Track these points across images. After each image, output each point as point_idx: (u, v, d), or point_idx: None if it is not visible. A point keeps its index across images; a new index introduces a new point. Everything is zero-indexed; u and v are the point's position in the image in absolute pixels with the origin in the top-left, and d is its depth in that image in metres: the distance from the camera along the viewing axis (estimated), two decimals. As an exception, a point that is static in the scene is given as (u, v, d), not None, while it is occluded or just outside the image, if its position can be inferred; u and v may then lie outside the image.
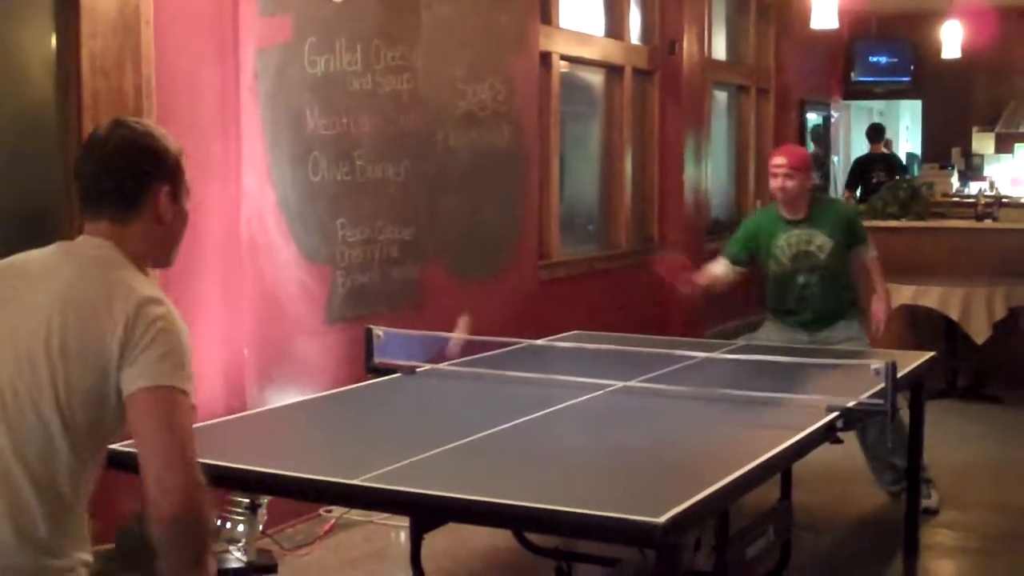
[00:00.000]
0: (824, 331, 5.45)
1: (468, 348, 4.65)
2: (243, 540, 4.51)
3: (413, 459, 3.12)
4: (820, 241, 5.38)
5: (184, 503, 2.11)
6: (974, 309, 7.47)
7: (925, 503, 5.23)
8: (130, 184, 2.31)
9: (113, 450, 2.41)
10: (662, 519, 2.54)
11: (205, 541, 2.21)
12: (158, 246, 2.40)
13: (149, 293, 2.24)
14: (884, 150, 11.81)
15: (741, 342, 5.42)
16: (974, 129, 12.78)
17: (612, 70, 8.31)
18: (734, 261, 5.59)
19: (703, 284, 5.57)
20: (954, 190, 11.69)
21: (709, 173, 9.53)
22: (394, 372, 4.36)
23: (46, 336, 2.16)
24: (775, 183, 5.40)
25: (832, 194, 11.82)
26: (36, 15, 4.51)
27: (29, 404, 2.15)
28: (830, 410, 3.63)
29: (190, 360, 2.25)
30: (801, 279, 5.43)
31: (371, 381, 4.33)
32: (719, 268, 5.62)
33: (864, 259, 5.56)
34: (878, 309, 5.49)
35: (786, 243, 5.42)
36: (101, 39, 4.46)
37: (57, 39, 4.49)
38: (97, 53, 4.46)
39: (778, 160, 5.42)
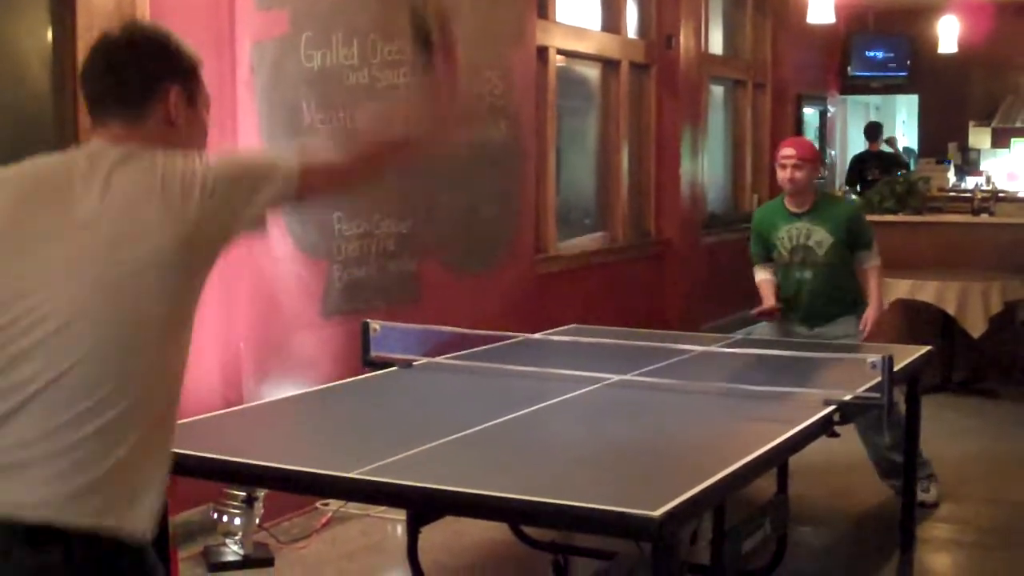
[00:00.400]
0: (822, 326, 5.44)
1: (465, 342, 4.65)
2: (240, 533, 4.52)
3: (410, 452, 3.12)
4: (820, 237, 5.37)
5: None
6: (970, 303, 7.47)
7: (923, 496, 5.25)
8: (137, 80, 2.20)
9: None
10: (658, 512, 2.54)
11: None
12: (179, 143, 2.23)
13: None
14: (886, 147, 11.82)
15: (738, 336, 5.42)
16: (970, 124, 12.79)
17: (608, 64, 8.31)
18: (764, 261, 5.59)
19: (778, 304, 5.51)
20: (950, 185, 11.70)
21: (705, 167, 9.53)
22: (391, 366, 4.36)
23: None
24: (783, 174, 5.39)
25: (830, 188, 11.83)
26: (33, 8, 4.50)
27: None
28: (827, 404, 3.63)
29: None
30: (798, 274, 5.43)
31: (368, 375, 4.33)
32: (765, 276, 5.59)
33: (864, 266, 5.52)
34: (868, 317, 5.42)
35: (787, 235, 5.43)
36: (98, 32, 4.43)
37: (53, 32, 4.48)
38: (93, 46, 4.45)
39: (787, 151, 5.42)
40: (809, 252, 5.40)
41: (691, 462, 3.21)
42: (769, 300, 5.51)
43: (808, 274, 5.42)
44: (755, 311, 5.54)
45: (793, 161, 5.35)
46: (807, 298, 5.44)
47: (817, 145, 12.11)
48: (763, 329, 5.67)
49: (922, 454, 5.35)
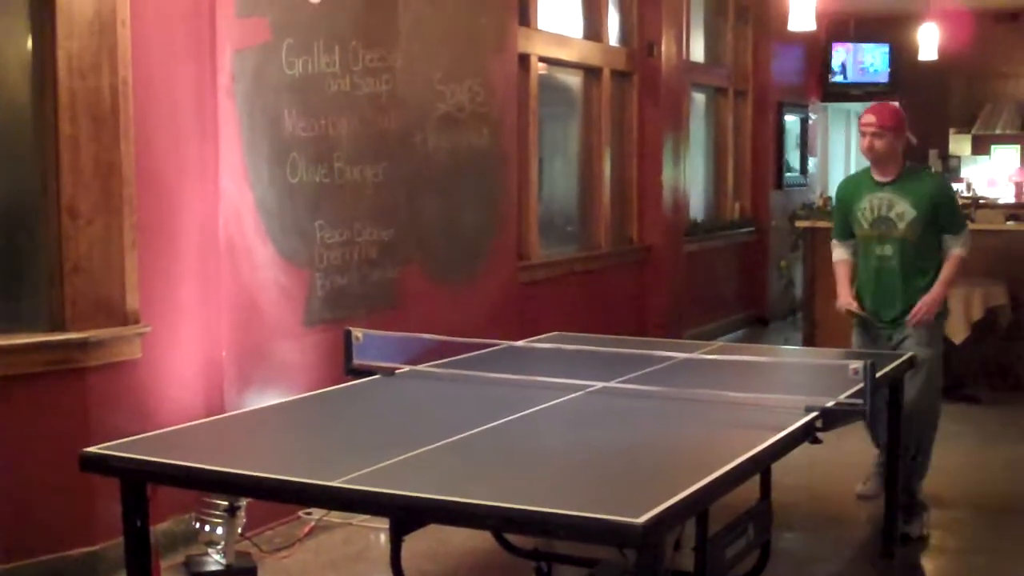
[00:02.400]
0: (900, 333, 5.25)
1: (448, 350, 4.64)
2: (222, 543, 4.50)
3: (393, 460, 3.11)
4: (901, 209, 5.18)
5: None
6: (952, 310, 7.47)
7: (906, 529, 5.07)
8: None
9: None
10: (642, 519, 2.54)
11: None
12: None
13: None
14: None
15: (720, 343, 5.42)
16: (951, 131, 12.84)
17: (590, 72, 8.32)
18: (845, 238, 5.45)
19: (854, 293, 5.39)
20: (931, 191, 11.72)
21: (687, 175, 9.55)
22: (373, 374, 4.35)
23: None
24: (863, 142, 5.22)
25: (812, 197, 11.86)
26: (12, 16, 4.48)
27: None
28: (808, 410, 3.63)
29: None
30: (878, 249, 5.24)
31: (350, 383, 4.32)
32: (843, 255, 5.46)
33: (948, 251, 5.26)
34: (923, 301, 5.18)
35: (868, 205, 5.25)
36: (77, 40, 4.44)
37: (33, 40, 4.47)
38: (74, 54, 4.45)
39: (868, 118, 5.23)
40: (890, 224, 5.20)
41: (674, 469, 3.21)
42: (844, 288, 5.36)
43: (888, 249, 5.22)
44: (843, 307, 5.37)
45: (873, 129, 5.17)
46: (887, 279, 5.24)
47: (799, 153, 12.19)
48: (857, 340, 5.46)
49: (918, 493, 5.29)
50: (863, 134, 5.23)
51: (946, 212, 5.25)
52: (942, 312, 5.34)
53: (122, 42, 4.48)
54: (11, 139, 4.51)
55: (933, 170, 9.43)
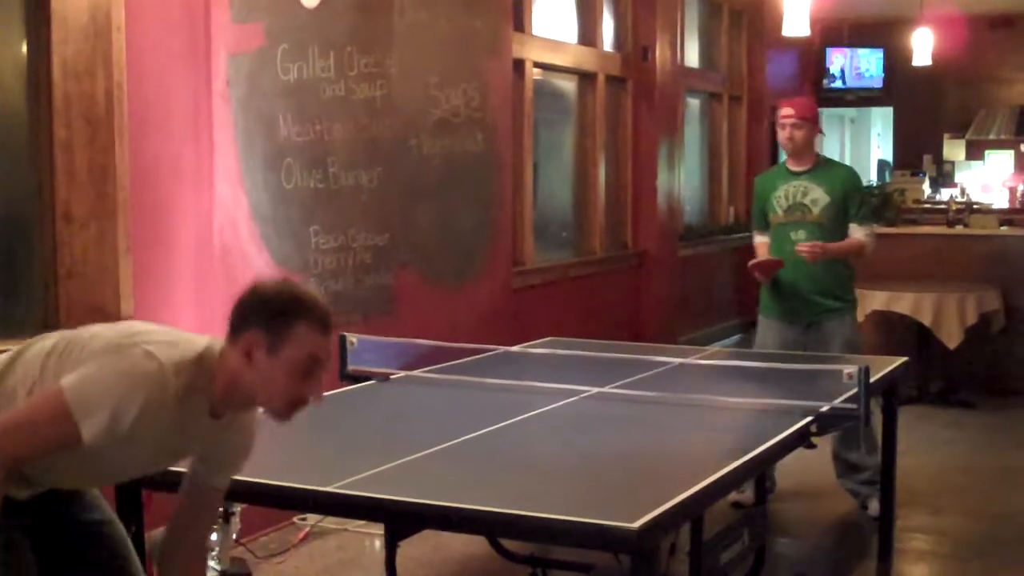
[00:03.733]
0: (816, 327, 5.40)
1: (442, 355, 4.64)
2: (217, 549, 4.49)
3: (387, 466, 3.11)
4: (816, 195, 5.39)
5: None
6: (946, 314, 7.51)
7: (873, 511, 5.25)
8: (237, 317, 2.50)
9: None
10: (636, 524, 2.54)
11: None
12: (252, 390, 2.56)
13: (153, 349, 2.44)
14: None
15: (715, 348, 5.42)
16: (945, 136, 12.85)
17: (585, 77, 8.32)
18: (763, 228, 5.62)
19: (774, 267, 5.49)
20: (925, 197, 11.76)
21: (682, 179, 9.56)
22: (368, 379, 4.35)
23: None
24: (783, 134, 5.44)
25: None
26: (7, 20, 4.48)
27: None
28: (803, 415, 3.64)
29: (102, 396, 2.35)
30: (792, 234, 5.41)
31: (345, 388, 4.31)
32: (762, 240, 5.63)
33: (857, 234, 5.44)
34: (821, 244, 5.31)
35: (784, 193, 5.46)
36: (72, 44, 4.44)
37: (28, 44, 4.46)
38: (68, 58, 4.44)
39: (786, 111, 5.45)
40: (804, 210, 5.40)
41: (669, 474, 3.21)
42: (761, 254, 5.51)
43: (802, 234, 5.39)
44: (752, 263, 5.51)
45: (792, 120, 5.40)
46: (802, 269, 5.35)
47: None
48: (762, 338, 5.61)
49: (876, 472, 5.31)
50: (782, 126, 5.46)
51: (856, 201, 5.47)
52: (852, 306, 5.52)
53: (117, 46, 4.48)
54: (5, 143, 4.51)
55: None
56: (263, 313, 2.46)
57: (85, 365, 2.39)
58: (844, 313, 5.47)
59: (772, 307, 5.56)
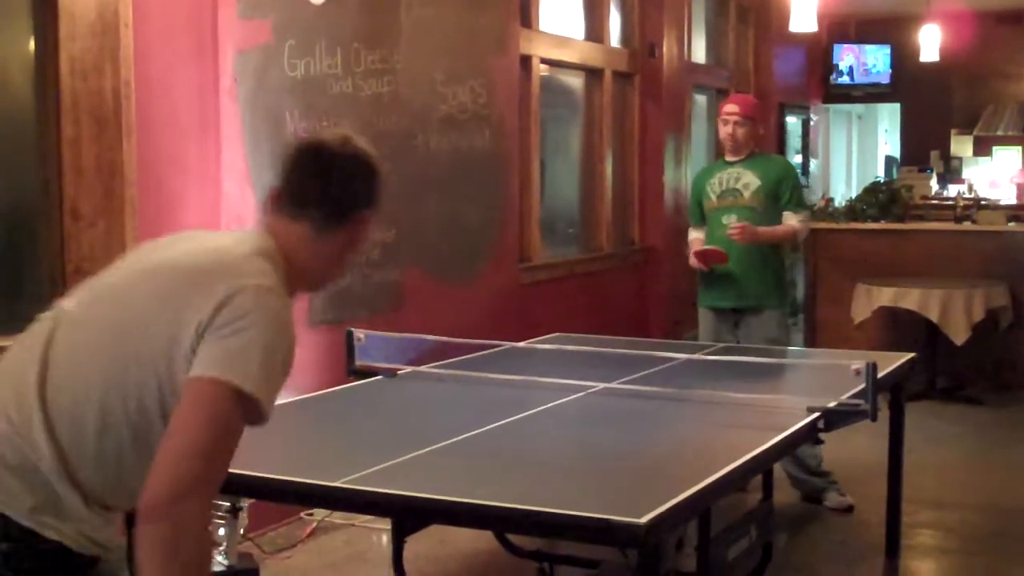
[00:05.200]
0: (746, 322, 5.53)
1: (449, 351, 4.64)
2: (224, 544, 4.49)
3: (395, 461, 3.11)
4: (748, 180, 5.55)
5: (170, 500, 1.89)
6: (953, 311, 7.51)
7: (839, 502, 5.42)
8: (348, 198, 2.25)
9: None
10: (644, 519, 2.54)
11: (182, 558, 1.91)
12: (330, 268, 2.33)
13: (263, 282, 2.09)
14: None
15: (720, 344, 5.43)
16: (952, 132, 12.82)
17: (592, 73, 8.31)
18: (699, 222, 5.78)
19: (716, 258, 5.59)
20: (933, 193, 11.74)
21: (689, 176, 9.54)
22: (375, 375, 4.35)
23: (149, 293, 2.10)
24: (724, 129, 5.60)
25: (814, 199, 11.86)
26: (14, 18, 4.49)
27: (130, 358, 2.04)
28: (811, 411, 3.64)
29: (277, 367, 2.06)
30: (724, 218, 5.55)
31: (352, 384, 4.32)
32: (696, 236, 5.77)
33: (790, 220, 5.56)
34: (751, 226, 5.45)
35: (718, 180, 5.63)
36: (80, 41, 4.45)
37: (35, 42, 4.47)
38: (76, 56, 4.45)
39: (730, 108, 5.63)
40: (736, 194, 5.57)
41: (676, 469, 3.22)
42: (696, 246, 5.65)
43: (734, 218, 5.51)
44: (694, 252, 5.61)
45: (736, 118, 5.56)
46: (733, 251, 5.46)
47: (800, 157, 12.20)
48: (701, 328, 5.75)
49: (822, 463, 5.46)
50: (725, 122, 5.60)
51: (788, 188, 5.60)
52: (780, 304, 5.63)
53: (124, 43, 4.48)
54: (13, 140, 4.51)
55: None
56: (371, 191, 2.27)
57: (226, 340, 1.99)
58: (772, 309, 5.57)
59: (704, 295, 5.71)
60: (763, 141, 5.84)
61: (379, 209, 2.30)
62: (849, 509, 5.44)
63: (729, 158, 5.67)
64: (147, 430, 2.04)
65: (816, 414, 3.63)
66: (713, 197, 5.63)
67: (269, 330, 2.04)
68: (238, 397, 1.97)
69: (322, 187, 2.23)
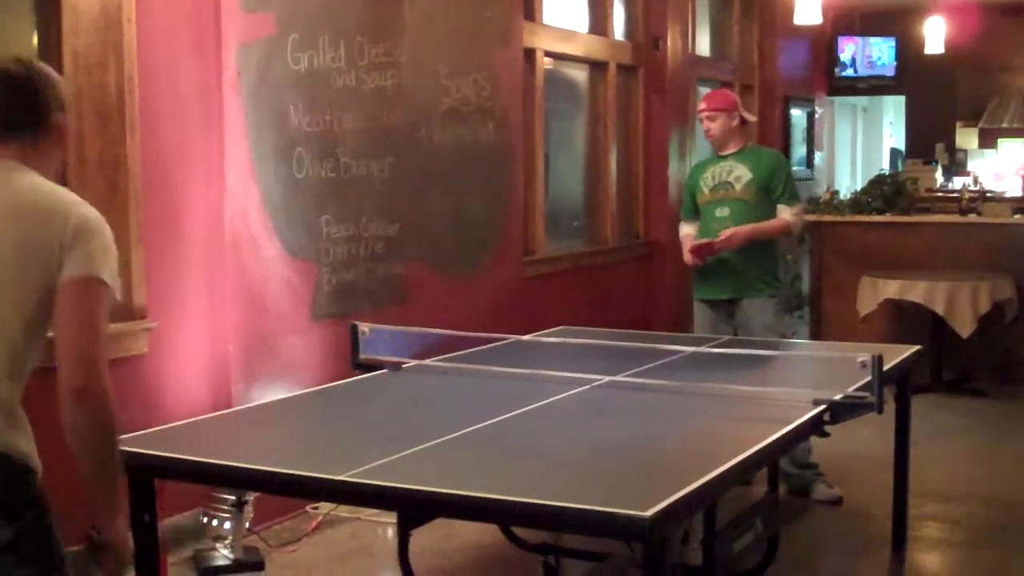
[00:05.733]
0: (742, 310, 5.59)
1: (454, 344, 4.64)
2: (229, 537, 4.50)
3: (400, 455, 3.11)
4: (740, 172, 5.62)
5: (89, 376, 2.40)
6: (959, 303, 7.50)
7: (827, 494, 5.47)
8: (43, 109, 2.59)
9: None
10: (649, 513, 2.53)
11: (109, 420, 2.44)
12: (52, 171, 2.65)
13: (78, 200, 2.55)
14: None
15: (727, 337, 5.42)
16: (958, 124, 12.80)
17: (596, 66, 8.30)
18: (690, 216, 5.85)
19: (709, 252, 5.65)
20: (938, 185, 11.72)
21: (691, 168, 9.51)
22: (380, 368, 4.35)
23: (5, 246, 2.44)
24: (703, 128, 5.74)
25: (819, 191, 11.85)
26: (18, 13, 4.48)
27: None
28: (816, 403, 3.63)
29: (111, 254, 2.50)
30: (717, 211, 5.64)
31: (357, 377, 4.32)
32: (687, 231, 5.83)
33: (783, 213, 5.63)
34: (732, 229, 5.51)
35: (711, 175, 5.71)
36: (83, 36, 4.45)
37: (39, 36, 4.47)
38: (79, 50, 4.45)
39: (700, 105, 5.79)
40: (728, 187, 5.64)
41: (681, 462, 3.21)
42: (687, 243, 5.72)
43: (726, 211, 5.60)
44: (689, 249, 5.65)
45: (706, 114, 5.69)
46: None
47: (805, 149, 12.18)
48: (696, 322, 5.79)
49: (811, 455, 5.48)
50: (700, 120, 5.76)
51: (780, 180, 5.64)
52: (774, 287, 5.68)
53: (128, 38, 4.48)
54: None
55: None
56: (59, 98, 2.62)
57: (78, 248, 2.44)
58: (765, 297, 5.63)
59: (699, 287, 5.76)
60: (756, 134, 5.80)
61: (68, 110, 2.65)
62: (838, 501, 5.47)
63: (721, 152, 5.72)
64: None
65: (822, 407, 3.62)
66: (706, 191, 5.68)
67: (108, 238, 2.52)
68: (104, 288, 2.46)
69: (18, 108, 2.57)
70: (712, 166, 5.74)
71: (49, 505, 2.50)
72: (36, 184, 2.53)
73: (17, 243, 2.44)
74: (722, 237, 5.49)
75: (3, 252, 2.44)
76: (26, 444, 2.47)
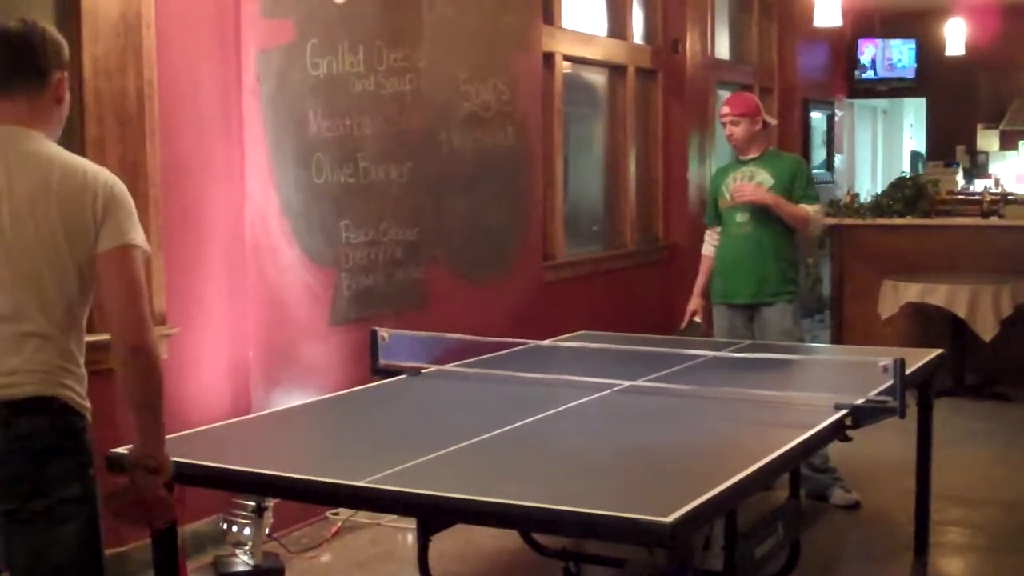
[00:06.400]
0: (760, 315, 5.60)
1: (473, 349, 4.63)
2: (250, 543, 4.50)
3: (420, 460, 3.10)
4: (761, 178, 5.61)
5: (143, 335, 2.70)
6: (981, 306, 7.45)
7: (845, 498, 5.47)
8: (40, 67, 2.76)
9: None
10: (671, 518, 2.52)
11: (159, 368, 2.75)
12: (56, 126, 2.83)
13: (99, 169, 2.76)
14: None
15: (748, 341, 5.40)
16: (979, 126, 12.74)
17: (615, 70, 8.29)
18: (714, 222, 5.85)
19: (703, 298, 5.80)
20: (959, 188, 11.66)
21: (713, 172, 9.49)
22: (400, 373, 4.34)
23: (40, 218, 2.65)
24: (725, 132, 5.73)
25: (839, 194, 11.80)
26: (37, 17, 4.47)
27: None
28: (838, 408, 3.60)
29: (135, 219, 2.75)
30: (738, 216, 5.64)
31: (377, 383, 4.31)
32: (708, 251, 5.84)
33: (806, 208, 5.64)
34: (759, 190, 5.57)
35: (732, 179, 5.70)
36: (103, 42, 4.45)
37: (59, 42, 4.47)
38: (99, 56, 4.46)
39: (724, 109, 5.75)
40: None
41: (703, 467, 3.19)
42: (697, 289, 5.82)
43: (747, 215, 5.61)
44: (686, 322, 5.85)
45: (730, 118, 5.69)
46: (747, 247, 5.59)
47: (825, 152, 12.14)
48: (716, 326, 5.81)
49: (828, 459, 5.46)
50: (723, 124, 5.75)
51: (800, 183, 5.64)
52: (793, 292, 5.66)
53: (147, 43, 4.49)
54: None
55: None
56: (60, 55, 2.81)
57: (109, 221, 2.68)
58: (784, 302, 5.61)
59: (718, 290, 5.76)
60: (777, 137, 5.82)
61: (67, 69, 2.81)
62: (855, 506, 5.45)
63: (743, 156, 5.73)
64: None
65: (844, 411, 3.59)
66: (727, 195, 5.68)
67: (127, 197, 2.77)
68: (140, 252, 2.74)
69: (15, 65, 2.73)
70: (733, 171, 5.74)
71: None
72: (53, 156, 2.69)
73: (54, 222, 2.64)
74: (739, 192, 5.56)
75: (41, 231, 2.64)
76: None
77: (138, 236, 2.73)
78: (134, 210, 2.76)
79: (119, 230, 2.69)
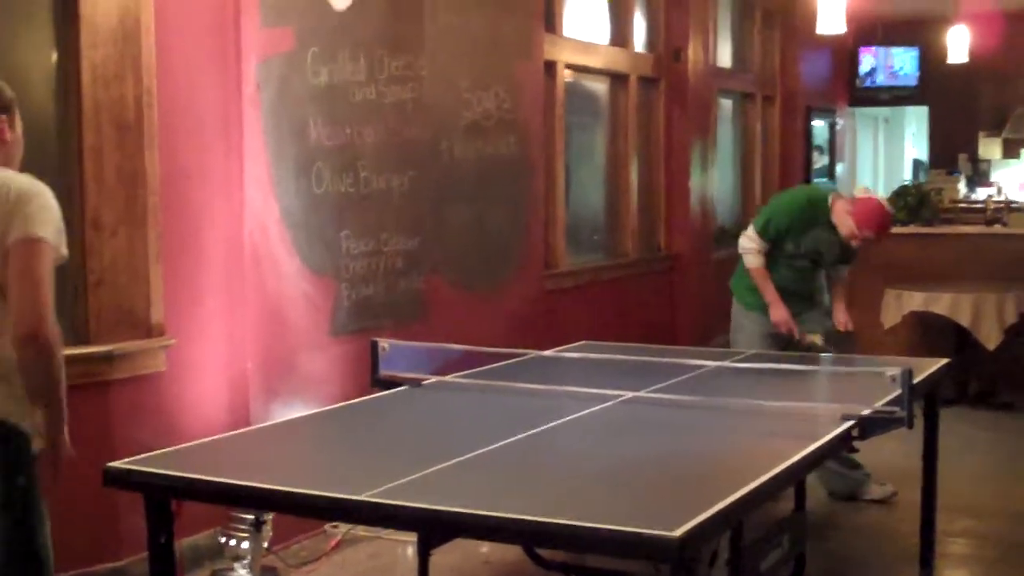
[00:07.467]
0: (804, 315, 5.78)
1: (474, 360, 4.59)
2: (248, 557, 4.46)
3: (420, 474, 3.05)
4: (835, 250, 5.76)
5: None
6: (985, 315, 7.41)
7: (879, 493, 5.64)
8: None
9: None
10: (678, 532, 2.47)
11: (56, 357, 2.89)
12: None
13: (21, 175, 3.01)
14: None
15: (752, 351, 5.36)
16: (981, 134, 12.73)
17: (617, 78, 8.27)
18: (766, 247, 5.77)
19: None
20: (961, 196, 11.64)
21: (715, 181, 9.48)
22: (400, 385, 4.30)
23: None
24: (857, 239, 5.66)
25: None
26: (36, 26, 4.47)
27: None
28: (845, 419, 3.56)
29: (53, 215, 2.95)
30: (798, 263, 5.77)
31: (377, 394, 4.27)
32: (761, 264, 5.78)
33: (838, 276, 5.98)
34: (842, 314, 5.91)
35: (812, 237, 5.73)
36: (102, 49, 4.42)
37: (57, 49, 4.46)
38: (98, 63, 4.43)
39: (870, 232, 5.62)
40: (820, 256, 5.79)
41: (709, 480, 3.14)
42: (778, 303, 5.69)
43: (808, 264, 5.80)
44: (782, 328, 5.70)
45: (871, 239, 5.70)
46: (797, 282, 5.81)
47: (827, 158, 12.12)
48: (749, 331, 5.81)
49: (855, 458, 5.50)
50: (863, 238, 5.65)
51: (853, 250, 5.83)
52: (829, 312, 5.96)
53: (146, 51, 4.46)
54: (34, 149, 4.46)
55: None
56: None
57: (18, 213, 2.88)
58: (821, 305, 5.95)
59: (760, 302, 5.76)
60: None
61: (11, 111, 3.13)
62: (892, 496, 5.60)
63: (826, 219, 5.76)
64: None
65: (851, 422, 3.55)
66: (801, 247, 5.73)
67: (47, 196, 2.99)
68: (48, 247, 2.91)
69: None
70: (817, 228, 5.70)
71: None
72: None
73: None
74: (846, 325, 5.89)
75: None
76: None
77: (46, 231, 2.88)
78: (51, 209, 2.93)
79: (26, 223, 2.86)
